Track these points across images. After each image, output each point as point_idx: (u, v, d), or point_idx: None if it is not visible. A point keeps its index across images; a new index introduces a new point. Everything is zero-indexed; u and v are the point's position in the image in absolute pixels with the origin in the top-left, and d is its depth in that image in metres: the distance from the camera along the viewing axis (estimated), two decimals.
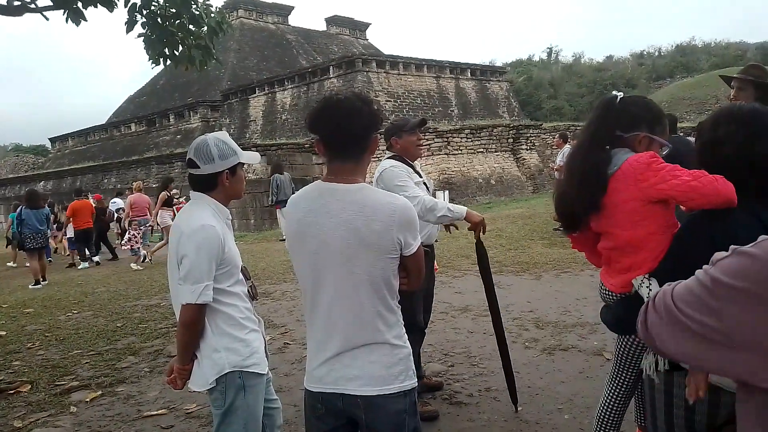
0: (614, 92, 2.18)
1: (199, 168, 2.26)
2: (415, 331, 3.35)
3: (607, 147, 2.05)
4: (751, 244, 0.89)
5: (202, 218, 2.20)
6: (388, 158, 3.59)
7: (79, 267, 12.52)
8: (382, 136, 3.52)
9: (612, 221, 1.98)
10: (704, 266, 0.95)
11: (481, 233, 3.38)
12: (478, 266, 3.60)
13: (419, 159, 3.81)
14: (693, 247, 1.77)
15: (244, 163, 2.38)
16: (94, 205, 13.37)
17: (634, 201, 1.89)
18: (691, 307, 0.92)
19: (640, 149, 2.02)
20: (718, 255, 0.94)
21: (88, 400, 4.30)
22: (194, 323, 2.17)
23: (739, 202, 1.71)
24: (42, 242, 10.60)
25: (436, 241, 3.78)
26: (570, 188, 2.10)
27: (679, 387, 1.74)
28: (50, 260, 13.55)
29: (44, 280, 10.37)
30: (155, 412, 3.97)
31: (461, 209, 3.32)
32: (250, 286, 2.41)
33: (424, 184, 3.63)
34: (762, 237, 0.89)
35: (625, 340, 2.21)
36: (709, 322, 0.88)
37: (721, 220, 1.72)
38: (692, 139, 4.39)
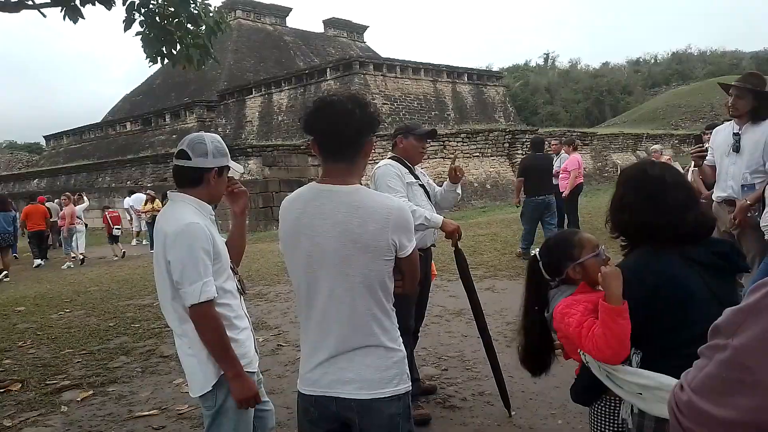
0: (532, 252, 2.22)
1: (190, 160, 2.21)
2: (407, 334, 3.35)
3: (536, 308, 2.17)
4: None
5: (184, 217, 2.15)
6: (389, 158, 3.59)
7: (34, 265, 13.53)
8: (391, 137, 3.64)
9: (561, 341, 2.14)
10: (707, 346, 0.86)
11: (458, 240, 3.47)
12: (459, 274, 3.63)
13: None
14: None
15: (229, 169, 2.36)
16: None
17: (562, 336, 2.04)
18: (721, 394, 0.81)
19: (577, 277, 2.07)
20: (718, 324, 0.85)
21: (79, 399, 4.27)
22: (208, 320, 2.11)
23: (663, 244, 1.77)
24: (9, 241, 12.16)
25: (433, 245, 3.77)
26: (523, 343, 2.26)
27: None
28: (15, 256, 14.38)
29: (6, 276, 11.40)
30: (147, 413, 3.95)
31: (437, 218, 3.40)
32: (238, 281, 2.39)
33: (423, 186, 3.63)
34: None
35: (594, 411, 2.19)
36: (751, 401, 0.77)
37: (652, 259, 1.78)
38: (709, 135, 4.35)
